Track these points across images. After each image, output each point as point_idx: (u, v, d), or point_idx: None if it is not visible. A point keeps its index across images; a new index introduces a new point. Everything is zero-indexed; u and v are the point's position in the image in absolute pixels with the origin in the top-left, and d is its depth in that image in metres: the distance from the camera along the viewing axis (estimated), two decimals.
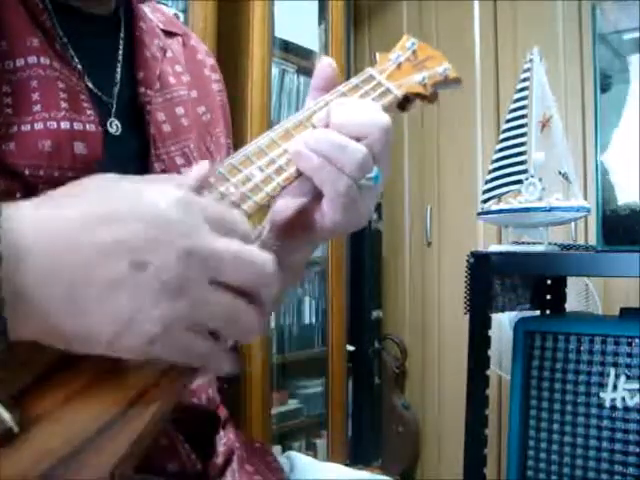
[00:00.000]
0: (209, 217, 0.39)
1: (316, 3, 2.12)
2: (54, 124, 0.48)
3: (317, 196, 0.51)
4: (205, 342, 0.39)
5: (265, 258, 0.40)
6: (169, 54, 0.64)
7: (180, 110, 0.61)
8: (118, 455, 0.37)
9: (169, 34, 0.66)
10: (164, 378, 0.40)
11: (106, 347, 0.37)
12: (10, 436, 0.36)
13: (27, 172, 0.47)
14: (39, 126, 0.48)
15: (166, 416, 0.41)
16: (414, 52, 0.62)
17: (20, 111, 0.48)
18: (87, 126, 0.50)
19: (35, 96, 0.48)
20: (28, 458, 0.36)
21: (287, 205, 0.53)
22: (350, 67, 2.32)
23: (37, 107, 0.48)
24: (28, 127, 0.48)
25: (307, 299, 2.11)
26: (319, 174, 0.48)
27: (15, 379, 0.39)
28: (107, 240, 0.36)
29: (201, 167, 0.43)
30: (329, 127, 0.49)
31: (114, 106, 0.55)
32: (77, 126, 0.50)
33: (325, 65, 0.55)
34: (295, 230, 0.53)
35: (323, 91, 0.56)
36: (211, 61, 0.72)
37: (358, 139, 0.48)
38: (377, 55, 0.61)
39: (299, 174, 0.49)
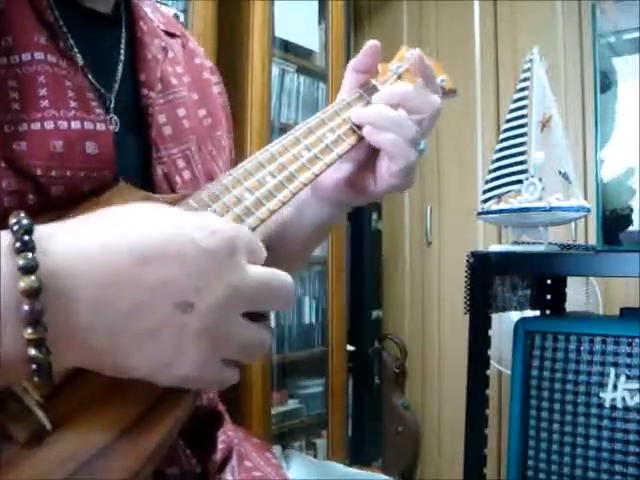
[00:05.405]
0: (246, 249, 0.40)
1: (316, 3, 2.12)
2: (65, 123, 0.48)
3: (366, 166, 0.60)
4: (232, 370, 0.41)
5: (289, 281, 0.42)
6: (170, 54, 0.64)
7: (182, 111, 0.61)
8: (143, 457, 0.38)
9: (169, 35, 0.66)
10: None
11: (143, 377, 0.38)
12: (41, 435, 0.37)
13: (39, 172, 0.46)
14: (50, 125, 0.47)
15: (185, 418, 0.41)
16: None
17: (28, 107, 0.47)
18: (97, 125, 0.50)
19: (42, 91, 0.48)
20: (54, 459, 0.36)
21: (338, 168, 0.61)
22: None
23: (45, 102, 0.47)
24: (38, 126, 0.47)
25: (307, 299, 2.11)
26: (393, 147, 0.56)
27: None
28: (154, 281, 0.36)
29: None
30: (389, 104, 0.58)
31: (112, 102, 0.55)
32: (87, 125, 0.49)
33: (372, 47, 0.61)
34: (342, 193, 0.63)
35: (362, 74, 0.62)
36: (209, 64, 0.71)
37: (414, 113, 0.58)
38: (379, 66, 0.64)
39: (310, 182, 0.53)
